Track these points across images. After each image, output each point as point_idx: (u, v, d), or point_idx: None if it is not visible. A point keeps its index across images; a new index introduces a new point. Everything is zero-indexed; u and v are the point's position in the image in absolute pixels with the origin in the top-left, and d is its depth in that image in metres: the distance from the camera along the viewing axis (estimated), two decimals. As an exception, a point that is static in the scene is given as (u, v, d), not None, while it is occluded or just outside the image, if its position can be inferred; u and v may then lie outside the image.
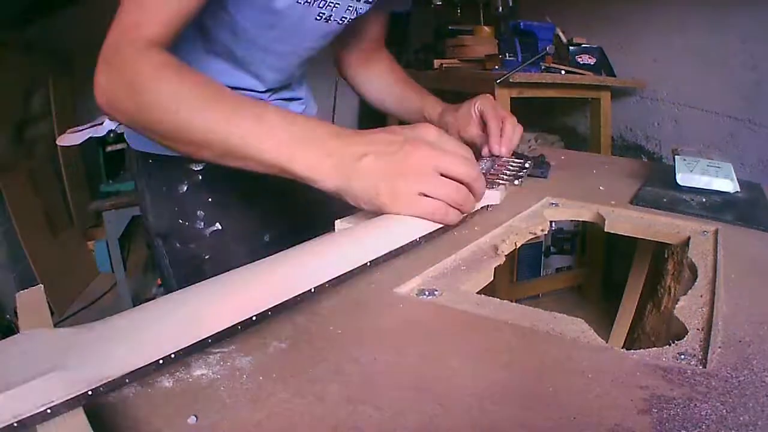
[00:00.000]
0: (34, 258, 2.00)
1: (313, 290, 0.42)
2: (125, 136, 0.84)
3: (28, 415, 0.26)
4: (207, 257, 0.77)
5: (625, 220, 0.66)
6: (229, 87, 0.67)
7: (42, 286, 0.40)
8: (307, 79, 0.92)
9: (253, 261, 0.44)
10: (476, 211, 0.62)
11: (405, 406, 0.31)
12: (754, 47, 1.64)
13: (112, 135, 1.90)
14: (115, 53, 0.53)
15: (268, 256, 0.45)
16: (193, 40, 0.69)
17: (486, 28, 2.27)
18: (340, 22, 0.72)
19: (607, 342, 0.38)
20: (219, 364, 0.35)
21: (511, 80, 1.72)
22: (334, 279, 0.44)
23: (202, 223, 0.77)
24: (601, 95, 1.95)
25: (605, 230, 0.66)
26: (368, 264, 0.48)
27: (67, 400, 0.28)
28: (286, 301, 0.40)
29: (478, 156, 0.81)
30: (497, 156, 0.80)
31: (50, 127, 2.25)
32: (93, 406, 0.30)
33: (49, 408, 0.27)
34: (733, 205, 0.70)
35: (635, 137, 2.11)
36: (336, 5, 0.69)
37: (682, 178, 0.75)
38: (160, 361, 0.33)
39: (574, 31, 2.01)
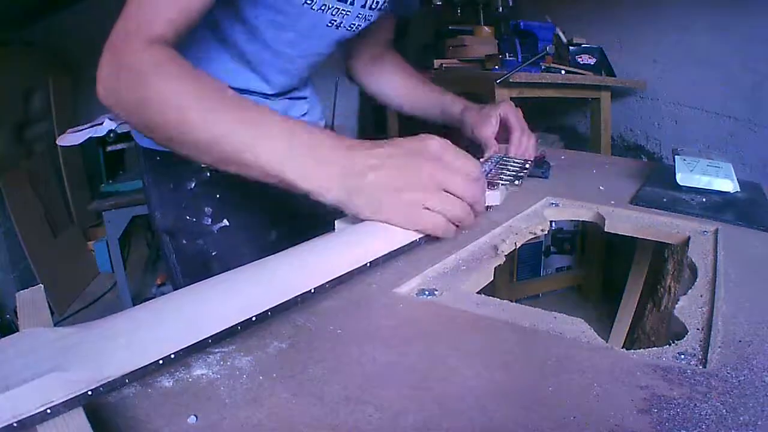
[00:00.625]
0: (34, 258, 2.00)
1: (313, 291, 0.42)
2: (132, 132, 0.83)
3: (28, 415, 0.26)
4: (214, 253, 0.77)
5: (625, 220, 0.66)
6: (237, 88, 0.65)
7: (42, 286, 0.40)
8: (311, 78, 0.93)
9: (261, 258, 0.44)
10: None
11: (405, 406, 0.31)
12: (754, 47, 1.64)
13: (112, 135, 1.90)
14: (119, 47, 0.52)
15: (275, 253, 0.45)
16: (207, 39, 0.70)
17: (486, 28, 2.27)
18: (349, 28, 0.73)
19: (607, 342, 0.38)
20: (219, 364, 0.35)
21: (511, 80, 1.72)
22: (334, 279, 0.44)
23: (210, 220, 0.77)
24: (601, 95, 1.95)
25: (605, 230, 0.66)
26: (368, 264, 0.47)
27: (66, 401, 0.28)
28: (286, 301, 0.40)
29: (478, 154, 0.81)
30: (501, 156, 0.82)
31: (50, 127, 2.25)
32: (93, 405, 0.30)
33: (49, 408, 0.27)
34: (733, 205, 0.70)
35: (635, 137, 2.11)
36: (347, 13, 0.70)
37: (682, 178, 0.75)
38: (160, 362, 0.33)
39: (574, 31, 2.01)
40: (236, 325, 0.37)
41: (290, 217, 0.81)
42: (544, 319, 0.41)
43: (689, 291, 0.46)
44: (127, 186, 1.87)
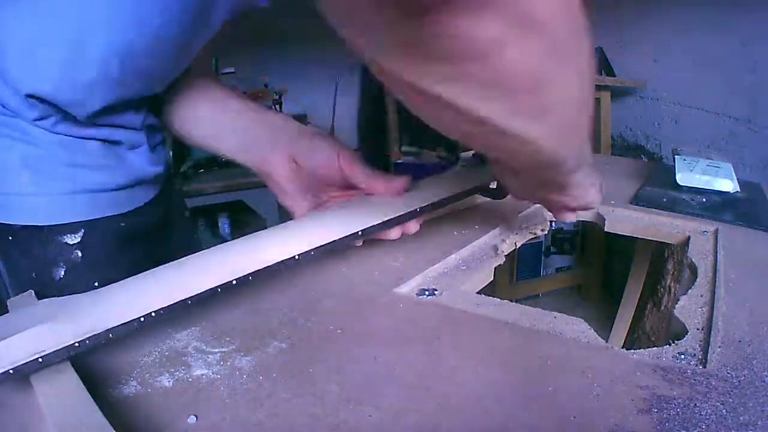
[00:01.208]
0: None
1: (297, 257, 0.41)
2: None
3: (23, 362, 0.29)
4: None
5: (625, 220, 0.66)
6: None
7: (32, 291, 0.40)
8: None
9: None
10: (476, 209, 0.62)
11: (405, 406, 0.31)
12: (754, 47, 1.64)
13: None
14: None
15: None
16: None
17: (486, 28, 2.27)
18: None
19: (607, 342, 0.38)
20: (219, 364, 0.35)
21: (511, 80, 1.72)
22: (321, 246, 0.42)
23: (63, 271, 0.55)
24: (601, 95, 1.95)
25: (605, 230, 0.66)
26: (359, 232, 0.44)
27: (56, 350, 0.30)
28: (268, 267, 0.40)
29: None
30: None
31: (50, 127, 2.25)
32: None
33: (41, 357, 0.29)
34: (733, 205, 0.70)
35: (635, 137, 2.11)
36: None
37: (682, 178, 0.75)
38: (142, 319, 0.34)
39: (574, 31, 2.00)
40: (216, 287, 0.37)
41: None
42: (544, 319, 0.41)
43: (689, 291, 0.46)
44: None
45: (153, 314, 0.34)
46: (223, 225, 1.82)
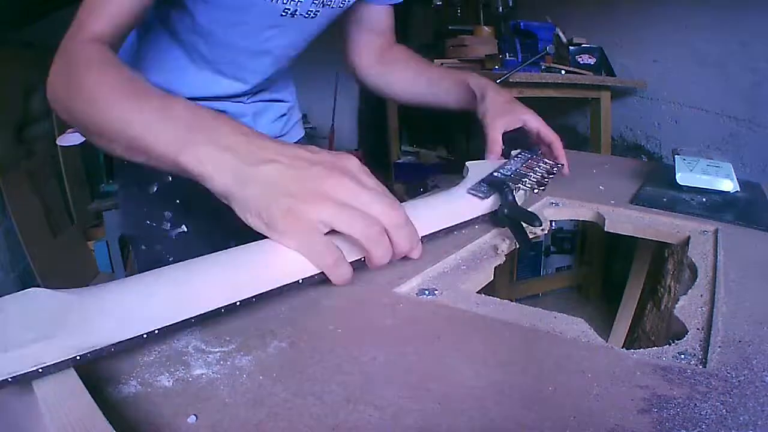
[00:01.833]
0: (34, 258, 2.00)
1: (300, 281, 0.42)
2: None
3: (22, 373, 0.29)
4: (171, 259, 0.75)
5: (625, 220, 0.66)
6: (205, 96, 0.69)
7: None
8: (294, 83, 0.90)
9: None
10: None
11: (405, 406, 0.31)
12: (754, 47, 1.64)
13: (112, 135, 1.90)
14: (63, 45, 0.54)
15: None
16: (173, 49, 0.71)
17: (486, 28, 2.27)
18: (308, 15, 0.69)
19: (607, 342, 0.38)
20: (219, 363, 0.35)
21: (511, 80, 1.72)
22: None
23: (169, 224, 0.76)
24: (601, 95, 1.95)
25: (605, 230, 0.66)
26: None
27: (56, 363, 0.30)
28: (275, 288, 0.40)
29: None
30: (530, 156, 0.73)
31: (50, 127, 2.25)
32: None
33: (41, 368, 0.30)
34: (733, 204, 0.70)
35: (635, 137, 2.11)
36: (300, 1, 0.67)
37: (682, 178, 0.75)
38: (145, 335, 0.34)
39: (574, 31, 2.01)
40: (220, 308, 0.38)
41: (248, 228, 0.77)
42: (544, 319, 0.41)
43: (689, 291, 0.46)
44: (127, 186, 1.87)
45: (156, 332, 0.35)
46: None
